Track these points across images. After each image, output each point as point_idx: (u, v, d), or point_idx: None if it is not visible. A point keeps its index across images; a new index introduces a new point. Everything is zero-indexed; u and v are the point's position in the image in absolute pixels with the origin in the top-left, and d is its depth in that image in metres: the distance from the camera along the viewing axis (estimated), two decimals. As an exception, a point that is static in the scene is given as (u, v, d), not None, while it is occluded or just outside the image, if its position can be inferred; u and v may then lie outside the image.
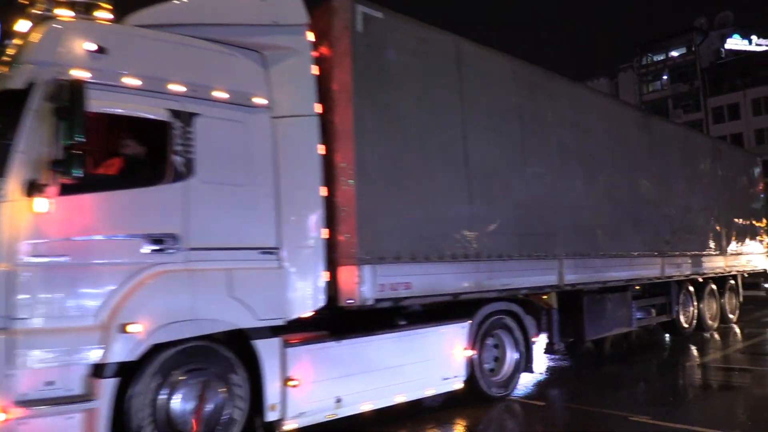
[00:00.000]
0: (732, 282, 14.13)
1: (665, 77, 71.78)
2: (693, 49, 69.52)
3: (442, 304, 7.25)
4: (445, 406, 7.45)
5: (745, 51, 68.71)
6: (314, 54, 6.23)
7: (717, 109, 67.71)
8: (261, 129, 5.87)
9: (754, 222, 14.86)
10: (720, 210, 13.15)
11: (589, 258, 9.08)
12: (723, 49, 69.57)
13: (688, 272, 11.76)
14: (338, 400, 6.06)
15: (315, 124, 6.12)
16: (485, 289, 7.40)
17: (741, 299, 14.64)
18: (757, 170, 16.00)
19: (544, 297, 8.77)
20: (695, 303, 12.56)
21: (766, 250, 15.41)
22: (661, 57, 72.10)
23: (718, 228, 12.95)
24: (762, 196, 15.75)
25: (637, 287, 10.77)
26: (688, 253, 11.74)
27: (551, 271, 8.44)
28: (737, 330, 13.60)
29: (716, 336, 12.62)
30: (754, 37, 69.48)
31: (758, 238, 14.92)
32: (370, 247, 6.14)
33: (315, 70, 6.21)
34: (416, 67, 6.90)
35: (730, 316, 13.99)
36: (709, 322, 13.04)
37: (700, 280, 12.63)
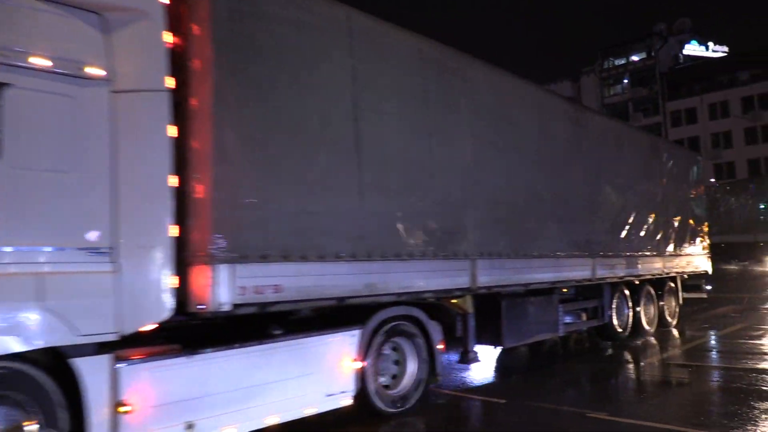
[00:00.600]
0: (671, 284, 13.36)
1: (626, 81, 72.13)
2: (653, 54, 69.97)
3: (337, 309, 6.33)
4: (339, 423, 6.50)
5: (702, 57, 69.35)
6: (168, 19, 5.21)
7: (675, 113, 68.33)
8: (96, 105, 4.80)
9: (694, 223, 14.18)
10: (658, 210, 12.38)
11: (507, 258, 8.20)
12: (681, 55, 70.05)
13: (622, 274, 10.96)
14: (190, 426, 5.05)
15: (166, 101, 5.06)
16: (379, 292, 6.45)
17: (681, 302, 13.88)
18: (698, 170, 15.36)
19: (455, 301, 7.88)
20: (631, 306, 11.77)
21: (706, 251, 14.74)
22: (622, 61, 72.40)
23: (655, 228, 12.18)
24: (703, 196, 15.09)
25: (565, 290, 9.92)
26: (623, 254, 10.96)
27: (462, 272, 7.54)
28: (675, 333, 12.86)
29: (652, 340, 11.85)
30: (711, 44, 70.17)
31: (699, 239, 14.24)
32: (228, 243, 5.15)
33: (168, 37, 5.19)
34: (297, 39, 5.91)
35: (669, 319, 13.24)
36: (647, 326, 12.26)
37: (637, 282, 11.85)
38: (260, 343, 5.64)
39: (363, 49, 6.50)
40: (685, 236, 13.49)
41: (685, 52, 69.94)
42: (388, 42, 6.93)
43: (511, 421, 6.85)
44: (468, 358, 8.08)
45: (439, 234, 7.19)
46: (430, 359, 7.25)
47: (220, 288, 5.12)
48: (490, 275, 7.90)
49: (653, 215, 12.09)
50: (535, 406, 7.26)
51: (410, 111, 7.04)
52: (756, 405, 6.94)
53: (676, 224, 13.04)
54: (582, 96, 74.32)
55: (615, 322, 11.17)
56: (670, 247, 12.76)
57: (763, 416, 6.51)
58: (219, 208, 5.16)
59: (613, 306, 11.11)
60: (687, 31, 70.95)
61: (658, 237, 12.25)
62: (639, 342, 11.67)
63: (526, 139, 8.84)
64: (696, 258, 14.15)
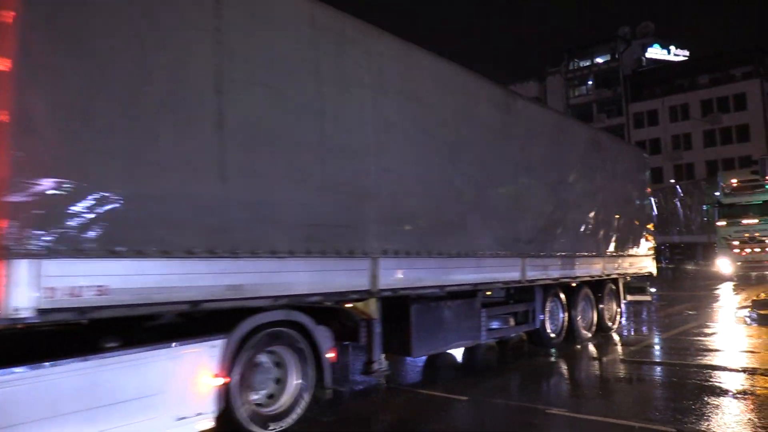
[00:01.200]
0: (612, 286, 12.34)
1: (590, 82, 71.98)
2: (617, 56, 69.83)
3: (210, 315, 5.27)
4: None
5: (664, 60, 69.48)
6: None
7: (638, 114, 68.55)
8: None
9: (639, 223, 13.36)
10: (599, 208, 11.45)
11: (418, 257, 7.17)
12: (644, 58, 70.21)
13: (556, 275, 9.98)
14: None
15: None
16: (247, 295, 5.35)
17: (623, 305, 12.98)
18: (645, 166, 14.61)
19: (355, 305, 6.84)
20: (566, 310, 10.77)
21: (651, 252, 13.94)
22: (587, 63, 72.14)
23: (595, 227, 11.27)
24: (648, 194, 14.24)
25: (489, 292, 8.92)
26: (558, 255, 10.00)
27: (360, 272, 6.48)
28: (616, 338, 11.98)
29: (590, 347, 10.92)
30: (672, 48, 70.24)
31: (643, 239, 13.37)
32: (31, 233, 4.05)
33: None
34: (140, -7, 4.81)
35: (609, 324, 12.21)
36: (583, 331, 11.21)
37: (573, 284, 10.90)
38: (81, 360, 4.50)
39: (232, 9, 5.39)
40: (628, 236, 12.60)
41: (647, 55, 70.08)
42: (268, 4, 5.83)
43: (477, 418, 6.77)
44: (371, 369, 7.04)
45: (330, 228, 6.14)
46: (317, 370, 6.20)
47: (19, 289, 3.99)
48: (395, 276, 6.88)
49: (593, 213, 11.19)
50: (496, 403, 7.22)
51: (296, 85, 5.95)
52: (707, 400, 6.93)
53: (618, 224, 12.12)
54: (548, 96, 74.01)
55: (548, 327, 10.20)
56: (612, 248, 11.83)
57: (716, 411, 6.51)
58: (19, 189, 4.04)
59: (547, 310, 10.16)
60: (650, 35, 71.04)
61: (599, 237, 11.35)
62: (575, 347, 10.75)
63: (444, 125, 7.78)
64: (640, 259, 13.27)
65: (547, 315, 10.16)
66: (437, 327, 7.67)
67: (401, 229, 6.98)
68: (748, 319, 13.88)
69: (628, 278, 13.02)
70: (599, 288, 11.78)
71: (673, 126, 65.87)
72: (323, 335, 6.30)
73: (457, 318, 8.01)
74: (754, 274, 25.36)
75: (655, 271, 14.03)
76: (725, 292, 21.45)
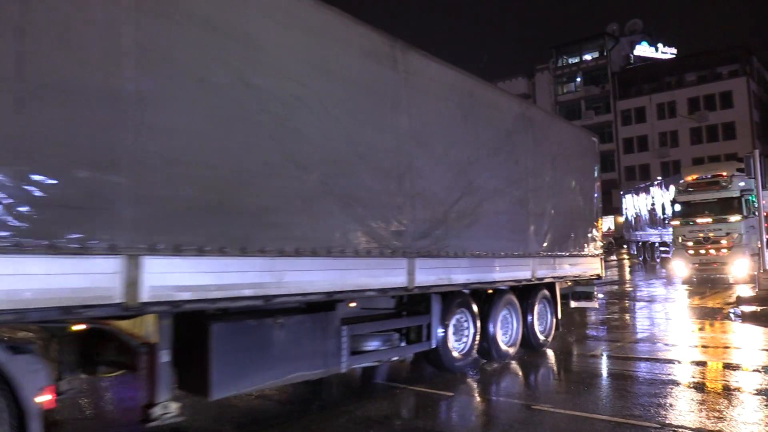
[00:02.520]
0: (546, 293, 9.82)
1: (579, 79, 69.35)
2: (605, 53, 67.26)
3: None
4: None
5: (652, 58, 67.04)
6: None
7: (625, 111, 66.53)
8: None
9: (584, 217, 10.92)
10: (530, 197, 9.10)
11: (216, 256, 4.78)
12: (632, 55, 67.66)
13: (462, 280, 7.47)
14: None
15: None
16: None
17: (561, 315, 10.37)
18: (594, 153, 11.99)
19: (118, 324, 4.49)
20: (479, 324, 8.22)
21: (599, 252, 11.44)
22: (576, 60, 69.50)
23: (524, 221, 8.88)
24: (599, 185, 11.74)
25: (353, 303, 6.44)
26: (468, 254, 7.57)
27: (107, 276, 4.12)
28: (549, 356, 9.50)
29: (508, 368, 8.45)
30: (660, 45, 67.82)
31: (590, 236, 10.99)
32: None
33: None
34: None
35: (542, 338, 9.64)
36: (504, 348, 8.67)
37: (490, 291, 8.51)
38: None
39: None
40: (568, 233, 10.16)
41: (635, 52, 67.54)
42: None
43: (464, 412, 6.50)
44: (151, 415, 4.68)
45: (43, 211, 3.76)
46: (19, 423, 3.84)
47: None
48: (173, 281, 4.50)
49: (521, 204, 8.81)
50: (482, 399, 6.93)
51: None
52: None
53: (556, 218, 9.75)
54: (536, 93, 71.49)
55: (451, 345, 7.72)
56: (546, 247, 9.39)
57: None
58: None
59: (450, 324, 7.70)
60: (638, 32, 68.45)
61: (528, 233, 8.95)
62: (492, 367, 8.33)
63: (281, 74, 5.36)
64: (585, 260, 10.82)
65: (451, 330, 7.71)
66: (257, 354, 5.26)
67: (182, 213, 4.57)
68: (732, 316, 13.31)
69: (569, 282, 10.64)
70: (528, 295, 9.32)
71: (660, 123, 63.89)
72: (26, 370, 3.92)
73: (297, 340, 5.61)
74: (709, 276, 21.83)
75: (603, 274, 11.50)
76: (673, 295, 18.74)
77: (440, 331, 7.47)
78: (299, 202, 5.46)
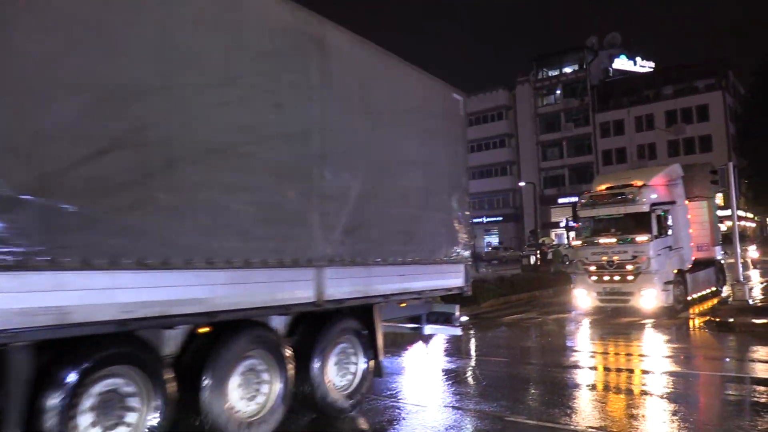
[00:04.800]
0: (354, 324, 6.35)
1: (558, 92, 66.38)
2: (584, 66, 64.36)
3: None
4: None
5: (630, 71, 64.25)
6: None
7: (604, 124, 64.00)
8: None
9: (437, 207, 7.62)
10: (310, 165, 5.70)
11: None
12: (611, 68, 64.81)
13: (140, 314, 4.02)
14: None
15: None
16: None
17: (380, 354, 6.72)
18: (456, 116, 8.28)
19: None
20: (173, 392, 4.49)
21: (465, 258, 8.11)
22: (556, 72, 66.60)
23: (293, 204, 5.52)
24: (466, 165, 8.53)
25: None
26: (142, 262, 4.11)
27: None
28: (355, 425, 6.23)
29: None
30: (638, 59, 64.96)
31: (447, 235, 7.70)
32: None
33: None
34: None
35: (339, 399, 6.11)
36: (238, 426, 4.94)
37: (205, 329, 4.89)
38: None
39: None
40: (404, 230, 6.97)
41: (614, 65, 64.74)
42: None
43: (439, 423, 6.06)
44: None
45: None
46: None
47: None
48: None
49: (280, 175, 5.37)
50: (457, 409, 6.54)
51: None
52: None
53: (377, 206, 6.50)
54: (517, 104, 68.48)
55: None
56: (348, 249, 6.00)
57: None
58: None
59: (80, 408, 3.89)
60: (617, 46, 65.56)
61: (313, 227, 5.63)
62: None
63: None
64: (438, 269, 7.57)
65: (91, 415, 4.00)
66: None
67: None
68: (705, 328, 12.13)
69: (402, 305, 7.36)
70: (315, 329, 5.97)
71: (638, 136, 61.54)
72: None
73: None
74: (611, 307, 15.65)
75: (466, 286, 8.14)
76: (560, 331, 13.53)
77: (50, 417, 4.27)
78: None
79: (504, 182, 68.38)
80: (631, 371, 8.93)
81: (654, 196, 15.13)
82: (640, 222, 14.81)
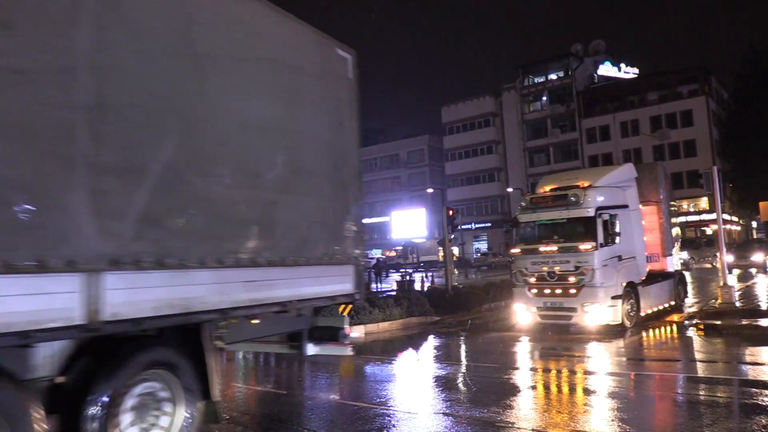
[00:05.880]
0: (164, 354, 4.63)
1: (545, 98, 65.17)
2: (569, 73, 63.17)
3: None
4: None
5: (615, 77, 63.09)
6: None
7: (590, 129, 62.85)
8: None
9: (310, 192, 5.95)
10: (82, 121, 3.94)
11: None
12: (596, 75, 63.65)
13: None
14: None
15: None
16: None
17: (214, 393, 4.96)
18: (340, 78, 6.65)
19: None
20: None
21: (356, 256, 6.50)
22: (541, 79, 65.38)
23: (63, 182, 3.82)
24: (355, 139, 6.79)
25: None
26: None
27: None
28: None
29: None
30: (623, 65, 63.83)
31: (327, 228, 6.14)
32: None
33: None
34: None
35: None
36: None
37: None
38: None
39: None
40: (256, 219, 5.34)
41: (599, 72, 63.53)
42: None
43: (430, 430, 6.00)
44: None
45: None
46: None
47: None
48: None
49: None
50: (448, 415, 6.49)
51: None
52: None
53: (193, 184, 4.77)
54: (504, 111, 67.23)
55: None
56: (141, 248, 4.26)
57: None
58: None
59: None
60: (601, 53, 64.38)
61: (64, 211, 3.85)
62: None
63: None
64: (315, 272, 5.95)
65: None
66: None
67: None
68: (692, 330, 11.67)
69: (253, 322, 5.63)
70: (100, 364, 4.24)
71: (624, 141, 60.47)
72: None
73: None
74: (551, 324, 13.43)
75: (357, 293, 6.54)
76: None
77: None
78: None
79: (492, 188, 67.07)
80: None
81: (601, 198, 13.00)
82: (585, 228, 12.66)
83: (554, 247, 12.99)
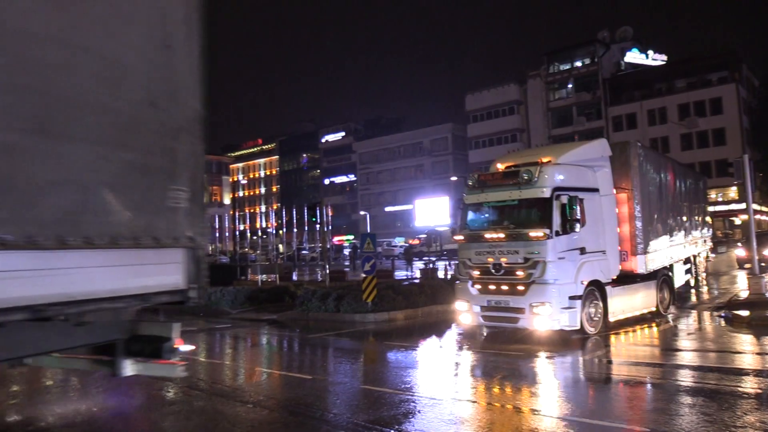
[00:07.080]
0: None
1: (570, 86, 63.01)
2: (596, 60, 60.81)
3: None
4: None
5: (642, 65, 60.48)
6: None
7: (616, 118, 60.64)
8: None
9: (87, 135, 3.71)
10: None
11: None
12: (623, 62, 61.17)
13: None
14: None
15: None
16: None
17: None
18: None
19: None
20: None
21: (187, 239, 4.47)
22: (567, 66, 63.15)
23: None
24: (189, 59, 4.58)
25: None
26: None
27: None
28: None
29: None
30: (650, 52, 61.08)
31: (122, 189, 3.94)
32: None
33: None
34: None
35: None
36: None
37: None
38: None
39: None
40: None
41: (626, 59, 60.97)
42: None
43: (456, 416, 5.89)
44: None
45: None
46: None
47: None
48: None
49: None
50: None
51: None
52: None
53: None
54: (528, 99, 65.26)
55: None
56: None
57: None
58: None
59: None
60: (628, 39, 61.65)
61: None
62: None
63: None
64: (103, 262, 3.83)
65: None
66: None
67: None
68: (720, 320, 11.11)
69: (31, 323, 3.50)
70: None
71: (651, 129, 58.08)
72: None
73: None
74: (494, 326, 11.47)
75: (190, 288, 4.49)
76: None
77: None
78: None
79: (515, 176, 65.33)
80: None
81: (560, 177, 10.62)
82: (540, 212, 10.42)
83: (501, 234, 10.69)
